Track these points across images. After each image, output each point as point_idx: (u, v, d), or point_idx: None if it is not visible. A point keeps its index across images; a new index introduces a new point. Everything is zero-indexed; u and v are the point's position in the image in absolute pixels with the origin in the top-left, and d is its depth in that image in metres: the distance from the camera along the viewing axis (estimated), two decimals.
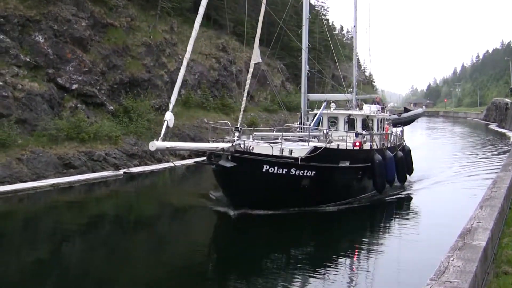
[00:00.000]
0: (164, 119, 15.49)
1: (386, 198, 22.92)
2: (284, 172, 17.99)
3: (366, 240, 16.75)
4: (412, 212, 21.34)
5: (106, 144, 28.85)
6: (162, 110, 35.13)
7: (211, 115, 41.46)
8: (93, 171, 26.48)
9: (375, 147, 23.35)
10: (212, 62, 48.24)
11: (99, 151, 27.70)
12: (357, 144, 21.76)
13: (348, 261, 14.62)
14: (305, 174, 18.52)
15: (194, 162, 24.28)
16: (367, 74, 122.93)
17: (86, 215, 19.92)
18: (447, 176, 29.03)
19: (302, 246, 16.17)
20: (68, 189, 23.46)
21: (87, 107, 30.29)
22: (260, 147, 18.84)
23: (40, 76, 27.93)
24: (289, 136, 22.72)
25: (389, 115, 30.59)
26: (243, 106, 23.83)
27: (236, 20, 52.86)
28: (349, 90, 30.46)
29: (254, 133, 23.15)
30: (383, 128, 27.58)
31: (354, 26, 33.60)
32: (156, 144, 14.99)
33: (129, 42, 36.35)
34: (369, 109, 27.05)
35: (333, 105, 27.36)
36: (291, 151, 18.62)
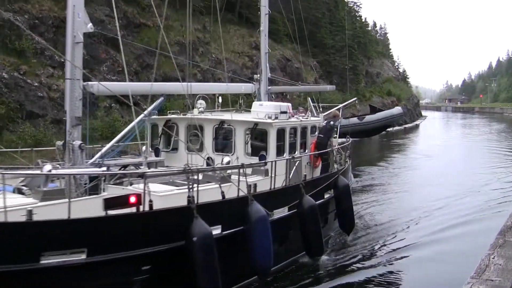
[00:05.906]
0: None
1: None
2: None
3: None
4: None
5: None
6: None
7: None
8: None
9: (224, 198, 10.10)
10: (245, 61, 48.12)
11: (133, 150, 27.80)
12: (132, 200, 8.58)
13: None
14: None
15: None
16: (401, 70, 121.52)
17: None
18: (429, 231, 17.13)
19: None
20: None
21: (121, 106, 30.50)
22: None
23: None
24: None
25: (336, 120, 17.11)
26: None
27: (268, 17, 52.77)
28: (255, 76, 18.25)
29: None
30: (306, 146, 15.59)
31: None
32: None
33: (162, 41, 36.48)
34: (262, 111, 14.55)
35: (200, 104, 15.70)
36: None
